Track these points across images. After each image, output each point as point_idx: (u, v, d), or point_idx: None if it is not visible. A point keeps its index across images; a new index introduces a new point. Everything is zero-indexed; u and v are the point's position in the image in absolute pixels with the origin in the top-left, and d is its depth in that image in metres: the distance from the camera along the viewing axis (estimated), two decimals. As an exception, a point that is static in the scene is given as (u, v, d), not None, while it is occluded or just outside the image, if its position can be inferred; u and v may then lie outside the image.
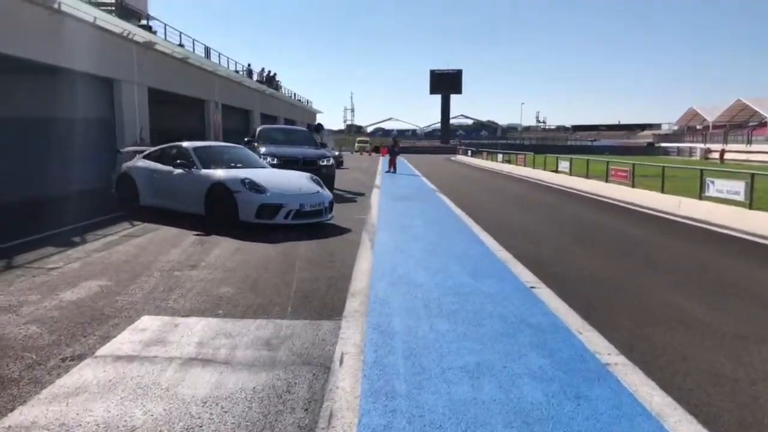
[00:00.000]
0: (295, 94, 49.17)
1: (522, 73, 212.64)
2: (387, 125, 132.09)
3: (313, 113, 59.86)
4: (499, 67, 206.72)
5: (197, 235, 8.11)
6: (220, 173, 9.04)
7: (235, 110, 29.48)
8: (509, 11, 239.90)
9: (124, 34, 15.79)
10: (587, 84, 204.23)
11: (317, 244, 7.68)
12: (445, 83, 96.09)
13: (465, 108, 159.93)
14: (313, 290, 5.37)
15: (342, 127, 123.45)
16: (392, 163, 25.99)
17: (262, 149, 14.10)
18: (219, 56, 26.82)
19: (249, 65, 33.11)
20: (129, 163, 10.75)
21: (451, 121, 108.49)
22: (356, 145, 70.10)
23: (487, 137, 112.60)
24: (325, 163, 14.20)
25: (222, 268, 6.18)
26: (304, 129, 17.73)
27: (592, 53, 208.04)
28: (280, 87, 41.16)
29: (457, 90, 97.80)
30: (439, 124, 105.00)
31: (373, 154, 56.71)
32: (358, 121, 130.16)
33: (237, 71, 29.95)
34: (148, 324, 4.31)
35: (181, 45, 21.05)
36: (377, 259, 6.81)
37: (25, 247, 7.09)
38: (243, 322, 4.43)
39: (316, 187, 9.37)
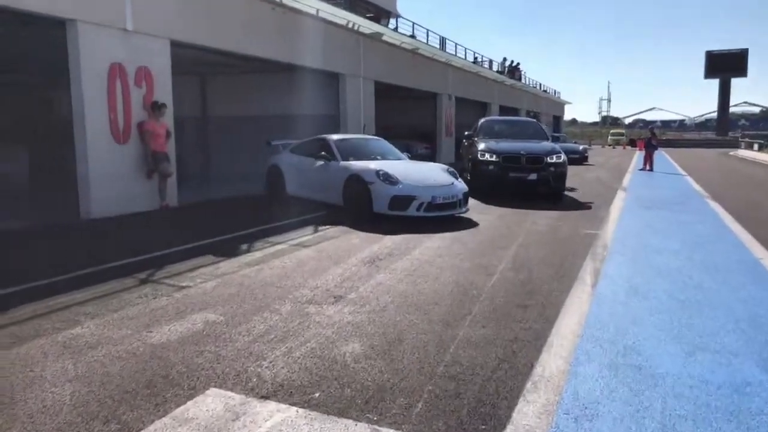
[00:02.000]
0: (540, 85, 46.07)
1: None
2: (648, 116, 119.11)
3: (561, 105, 55.82)
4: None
5: (385, 236, 6.73)
6: (356, 165, 9.20)
7: (471, 103, 28.11)
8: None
9: (350, 26, 15.41)
10: None
11: (515, 276, 5.62)
12: (725, 65, 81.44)
13: (750, 94, 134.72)
14: (474, 366, 3.43)
15: (597, 119, 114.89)
16: (648, 160, 21.85)
17: (481, 145, 12.31)
18: (455, 47, 25.72)
19: (477, 56, 31.41)
20: (278, 155, 11.24)
21: (731, 110, 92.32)
22: (609, 138, 63.75)
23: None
24: (554, 160, 11.78)
25: (371, 304, 4.60)
26: (533, 120, 15.38)
27: None
28: (523, 77, 38.64)
29: (741, 73, 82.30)
30: (715, 113, 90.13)
31: (628, 147, 50.56)
32: (614, 112, 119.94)
33: (475, 61, 28.52)
34: (205, 408, 2.90)
35: (412, 36, 20.32)
36: (597, 310, 4.53)
37: (193, 252, 6.48)
38: (333, 424, 2.74)
39: (450, 179, 9.18)
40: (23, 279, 5.18)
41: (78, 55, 8.21)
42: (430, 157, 24.92)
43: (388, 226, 8.19)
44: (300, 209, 9.64)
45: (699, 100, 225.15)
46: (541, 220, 9.23)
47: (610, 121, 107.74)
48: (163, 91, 9.67)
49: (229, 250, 6.61)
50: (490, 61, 32.23)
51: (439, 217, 8.63)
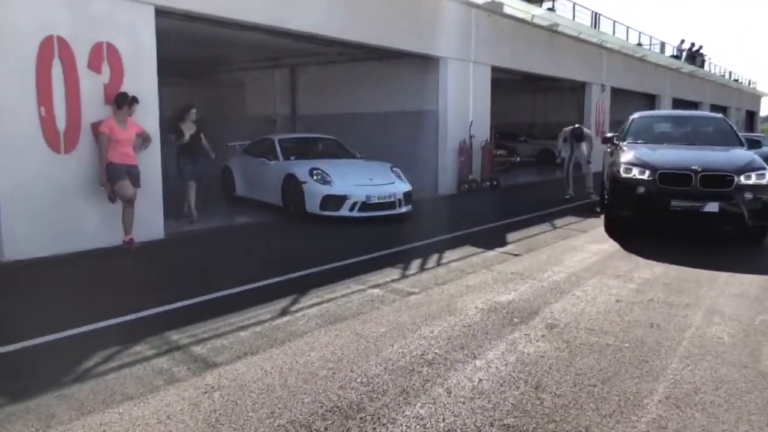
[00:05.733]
0: (730, 73, 37.80)
1: None
2: None
3: (756, 97, 46.03)
4: None
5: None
6: (294, 164, 9.02)
7: (632, 95, 22.60)
8: None
9: (454, -6, 11.72)
10: None
11: None
12: None
13: None
14: None
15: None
16: None
17: (627, 153, 7.98)
18: (614, 25, 20.55)
19: (643, 36, 25.36)
20: (231, 157, 10.70)
21: None
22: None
23: None
24: (751, 180, 7.09)
25: None
26: (716, 115, 10.23)
27: None
28: (707, 64, 31.40)
29: None
30: None
31: None
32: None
33: (639, 44, 22.91)
34: None
35: (551, 9, 15.92)
36: None
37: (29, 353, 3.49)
38: None
39: (390, 179, 8.99)
40: None
41: (-16, 25, 5.66)
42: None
43: (416, 313, 4.57)
44: (327, 247, 6.42)
45: None
46: (725, 300, 4.93)
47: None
48: (142, 80, 6.90)
49: (81, 353, 3.51)
50: (662, 44, 26.12)
51: (376, 217, 8.40)
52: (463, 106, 12.68)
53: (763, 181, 7.15)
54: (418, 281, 5.48)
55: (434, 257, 6.51)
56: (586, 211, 10.11)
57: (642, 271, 5.93)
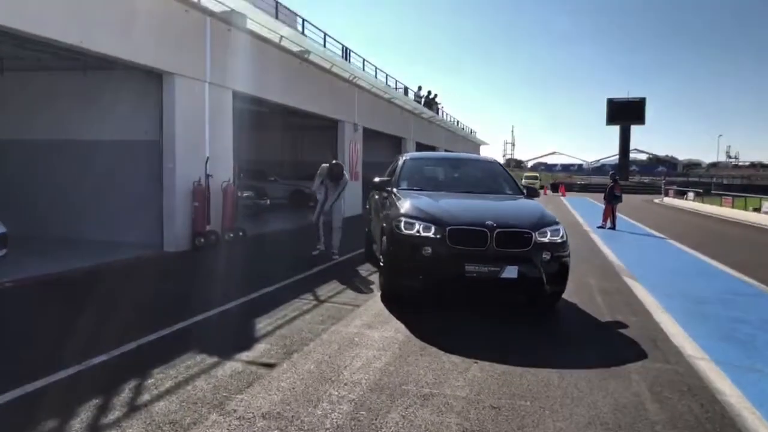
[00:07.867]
0: (457, 122, 41.52)
1: (703, 104, 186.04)
2: (549, 160, 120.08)
3: (477, 145, 51.86)
4: (672, 98, 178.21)
5: None
6: None
7: (382, 137, 22.38)
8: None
9: (181, -6, 9.06)
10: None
11: None
12: (625, 113, 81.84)
13: (637, 142, 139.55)
14: None
15: (501, 161, 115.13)
16: (609, 214, 16.88)
17: (404, 203, 6.29)
18: (363, 63, 19.90)
19: (389, 78, 25.84)
20: None
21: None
22: (523, 180, 60.73)
23: (666, 174, 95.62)
24: (547, 237, 5.86)
25: None
26: (491, 159, 9.07)
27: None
28: (440, 111, 33.64)
29: (640, 120, 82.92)
30: (608, 159, 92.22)
31: (549, 192, 47.07)
32: (517, 156, 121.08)
33: (388, 85, 22.87)
34: None
35: (302, 33, 14.19)
36: None
37: None
38: None
39: None
40: None
41: None
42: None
43: None
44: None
45: (595, 146, 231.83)
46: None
47: (513, 164, 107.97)
48: None
49: None
50: (406, 88, 26.80)
51: None
52: (198, 138, 9.96)
53: (558, 238, 5.99)
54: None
55: (126, 392, 3.71)
56: (349, 270, 8.21)
57: (455, 383, 4.01)
